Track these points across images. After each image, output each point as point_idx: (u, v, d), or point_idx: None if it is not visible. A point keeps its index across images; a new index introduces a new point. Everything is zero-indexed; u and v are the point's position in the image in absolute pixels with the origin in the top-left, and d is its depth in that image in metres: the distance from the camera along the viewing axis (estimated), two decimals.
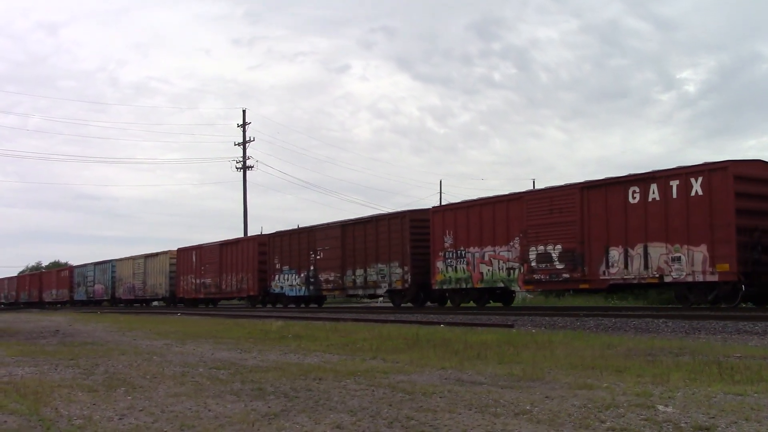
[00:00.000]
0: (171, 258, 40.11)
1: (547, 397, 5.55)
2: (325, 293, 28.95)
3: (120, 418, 5.10)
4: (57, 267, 76.97)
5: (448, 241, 22.67)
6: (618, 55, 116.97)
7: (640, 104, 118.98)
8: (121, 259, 46.99)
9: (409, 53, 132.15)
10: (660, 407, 5.00)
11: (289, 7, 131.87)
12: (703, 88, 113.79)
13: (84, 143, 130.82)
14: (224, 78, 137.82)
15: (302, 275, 29.18)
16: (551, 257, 19.48)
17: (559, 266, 19.23)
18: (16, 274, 78.72)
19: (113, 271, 47.47)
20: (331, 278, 27.52)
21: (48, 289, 59.71)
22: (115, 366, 8.48)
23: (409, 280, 23.88)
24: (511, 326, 13.83)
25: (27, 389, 6.53)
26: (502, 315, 17.60)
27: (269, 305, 32.24)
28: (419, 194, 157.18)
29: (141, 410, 5.38)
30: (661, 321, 13.30)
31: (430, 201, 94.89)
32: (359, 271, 26.09)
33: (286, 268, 30.32)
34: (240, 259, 33.66)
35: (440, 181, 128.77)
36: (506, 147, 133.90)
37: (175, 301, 40.24)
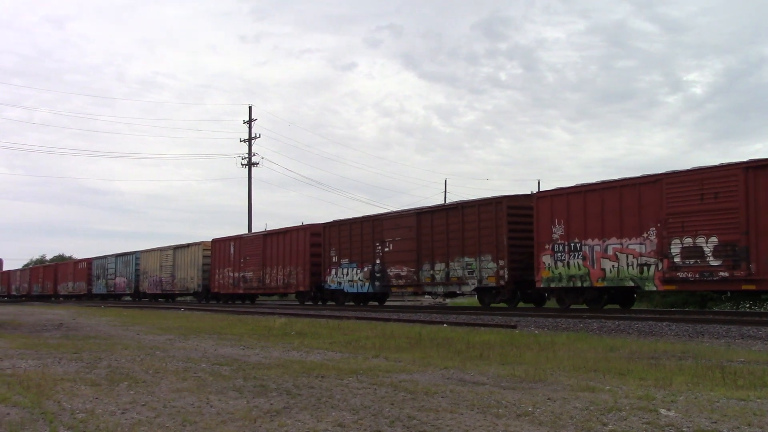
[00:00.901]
0: (205, 249, 36.45)
1: (549, 398, 5.55)
2: (395, 290, 25.31)
3: (122, 413, 5.11)
4: (61, 260, 75.60)
5: (558, 231, 19.67)
6: (625, 57, 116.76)
7: (647, 106, 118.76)
8: (146, 251, 43.58)
9: (416, 52, 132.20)
10: (662, 411, 4.99)
11: (296, 4, 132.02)
12: (710, 91, 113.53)
13: (90, 137, 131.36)
14: (230, 74, 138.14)
15: (365, 269, 25.64)
16: (703, 252, 16.72)
17: (715, 263, 16.41)
18: (25, 267, 76.45)
19: (137, 264, 44.28)
20: (403, 273, 24.07)
21: (64, 281, 56.68)
22: (118, 360, 8.50)
23: (506, 276, 20.61)
24: (514, 327, 13.82)
25: (30, 382, 6.56)
26: (505, 316, 17.57)
27: (321, 302, 29.63)
28: (424, 193, 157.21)
29: (143, 405, 5.40)
30: (664, 324, 13.27)
31: (434, 200, 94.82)
32: (439, 266, 22.74)
33: (345, 261, 26.83)
34: (288, 250, 30.04)
35: (445, 181, 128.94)
36: (512, 147, 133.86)
37: (207, 296, 36.92)
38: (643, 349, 9.43)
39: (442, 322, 15.57)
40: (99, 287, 49.71)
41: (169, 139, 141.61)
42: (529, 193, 21.92)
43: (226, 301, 35.23)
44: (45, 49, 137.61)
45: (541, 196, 20.41)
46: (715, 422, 4.65)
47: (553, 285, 19.72)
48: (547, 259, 19.72)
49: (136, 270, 44.36)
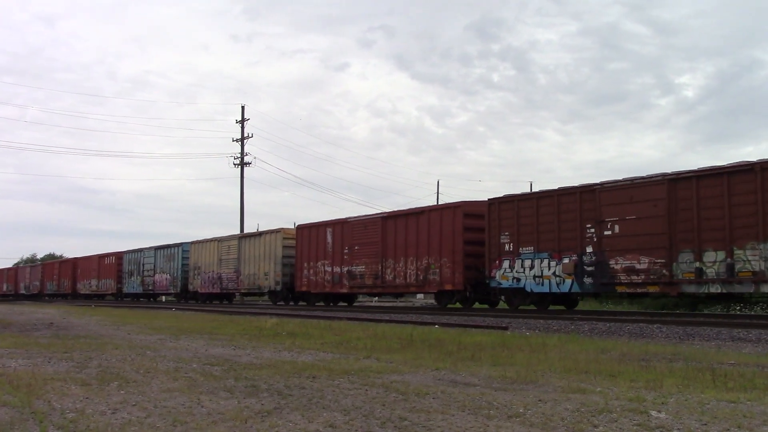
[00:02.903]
0: (286, 238, 29.69)
1: (540, 400, 5.56)
2: (622, 288, 17.90)
3: (113, 413, 5.09)
4: (52, 260, 71.17)
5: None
6: (617, 59, 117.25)
7: (639, 108, 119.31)
8: (199, 241, 36.61)
9: (408, 53, 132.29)
10: (653, 413, 5.01)
11: (288, 5, 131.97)
12: (702, 94, 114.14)
13: (82, 136, 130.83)
14: (222, 74, 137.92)
15: (567, 261, 18.90)
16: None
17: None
18: (31, 262, 70.84)
19: (185, 257, 37.37)
20: (642, 266, 17.22)
21: (85, 278, 49.87)
22: (109, 360, 8.46)
23: None
24: (506, 328, 13.85)
25: (20, 381, 6.52)
26: (496, 317, 17.60)
27: (489, 305, 23.26)
28: (416, 194, 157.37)
29: (134, 405, 5.38)
30: (655, 326, 13.32)
31: (426, 201, 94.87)
32: (712, 255, 15.87)
33: (527, 250, 19.99)
34: (425, 237, 23.09)
35: (437, 182, 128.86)
36: (504, 148, 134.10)
37: (291, 297, 30.14)
38: (634, 351, 9.46)
39: (434, 323, 15.57)
40: (132, 285, 43.14)
41: (160, 138, 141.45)
42: None
43: (317, 303, 28.69)
44: (36, 47, 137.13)
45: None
46: (706, 424, 4.66)
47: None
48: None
49: (184, 265, 37.47)
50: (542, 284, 19.57)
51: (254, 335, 12.72)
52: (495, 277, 20.83)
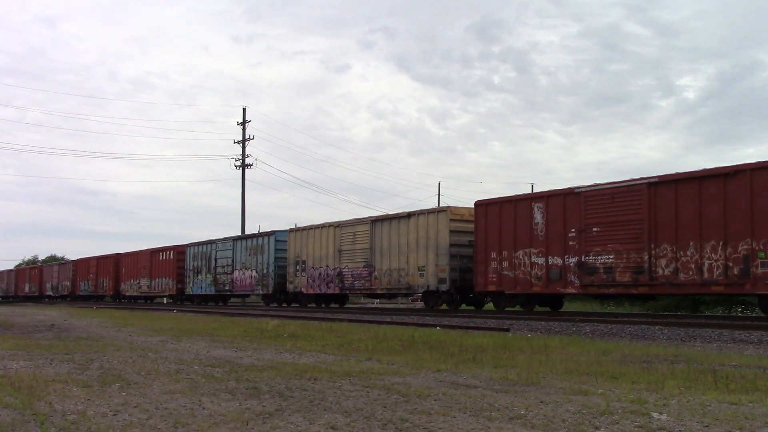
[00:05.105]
0: (454, 220, 22.03)
1: (541, 402, 5.55)
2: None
3: (114, 414, 5.09)
4: (54, 261, 66.44)
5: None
6: (618, 60, 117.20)
7: (640, 110, 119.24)
8: (303, 229, 29.07)
9: (409, 54, 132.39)
10: (654, 415, 5.00)
11: (289, 6, 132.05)
12: (703, 95, 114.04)
13: (82, 138, 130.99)
14: (223, 75, 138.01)
15: None
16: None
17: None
18: (55, 262, 61.92)
19: (278, 249, 30.12)
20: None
21: (132, 278, 42.57)
22: (110, 362, 8.47)
23: None
24: (507, 330, 13.83)
25: (21, 383, 6.52)
26: (498, 319, 17.58)
27: None
28: (417, 195, 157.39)
29: (135, 407, 5.38)
30: (656, 328, 13.31)
31: (428, 203, 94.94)
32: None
33: None
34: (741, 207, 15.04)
35: (439, 183, 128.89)
36: (505, 150, 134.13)
37: (459, 298, 22.42)
38: (636, 352, 9.45)
39: (435, 325, 15.57)
40: (200, 286, 35.78)
41: (161, 139, 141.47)
42: None
43: (507, 307, 20.68)
44: (37, 48, 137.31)
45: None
46: (707, 426, 4.66)
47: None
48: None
49: (278, 259, 30.14)
50: None
51: (255, 337, 12.73)
52: None
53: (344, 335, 12.57)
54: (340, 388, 6.28)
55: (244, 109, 52.02)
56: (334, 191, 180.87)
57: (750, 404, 5.45)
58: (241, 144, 51.73)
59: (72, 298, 49.85)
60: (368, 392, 6.06)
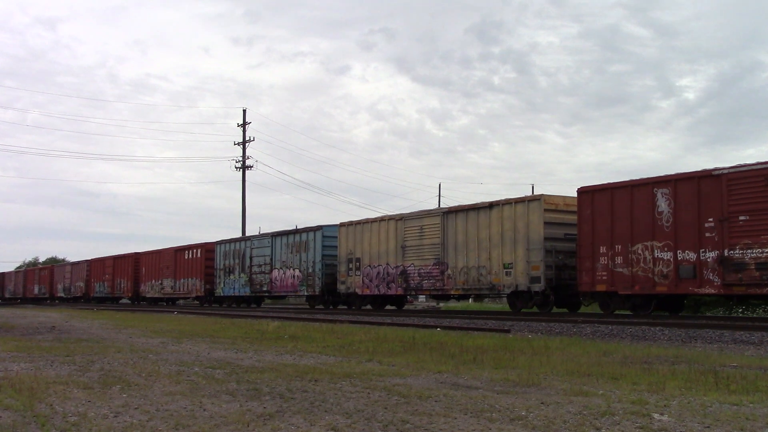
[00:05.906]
0: (548, 210, 18.95)
1: (542, 403, 5.55)
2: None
3: (115, 416, 5.09)
4: (54, 263, 65.20)
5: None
6: (618, 61, 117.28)
7: (640, 110, 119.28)
8: (357, 222, 25.83)
9: (409, 55, 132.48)
10: (655, 415, 5.00)
11: (289, 8, 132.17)
12: (703, 96, 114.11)
13: (83, 140, 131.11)
14: (223, 77, 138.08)
15: None
16: None
17: None
18: (63, 262, 60.41)
19: (327, 245, 27.16)
20: None
21: (154, 278, 39.50)
22: (111, 363, 8.47)
23: None
24: (508, 331, 13.82)
25: (22, 385, 6.52)
26: (498, 320, 17.57)
27: None
28: (418, 197, 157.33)
29: (136, 408, 5.38)
30: (657, 329, 13.30)
31: (429, 204, 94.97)
32: None
33: None
34: None
35: (439, 184, 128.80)
36: (505, 151, 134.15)
37: (551, 300, 19.22)
38: (636, 353, 9.44)
39: (436, 326, 15.56)
40: (233, 286, 32.92)
41: (161, 141, 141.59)
42: None
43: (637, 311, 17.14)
44: (37, 50, 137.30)
45: None
46: (708, 427, 4.66)
47: None
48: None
49: (326, 256, 27.28)
50: None
51: (256, 338, 12.73)
52: None
53: (345, 336, 12.57)
54: (340, 390, 6.28)
55: (244, 111, 52.06)
56: (334, 193, 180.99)
57: (751, 405, 5.45)
58: (241, 145, 51.76)
59: (86, 300, 47.36)
60: (369, 393, 6.06)
